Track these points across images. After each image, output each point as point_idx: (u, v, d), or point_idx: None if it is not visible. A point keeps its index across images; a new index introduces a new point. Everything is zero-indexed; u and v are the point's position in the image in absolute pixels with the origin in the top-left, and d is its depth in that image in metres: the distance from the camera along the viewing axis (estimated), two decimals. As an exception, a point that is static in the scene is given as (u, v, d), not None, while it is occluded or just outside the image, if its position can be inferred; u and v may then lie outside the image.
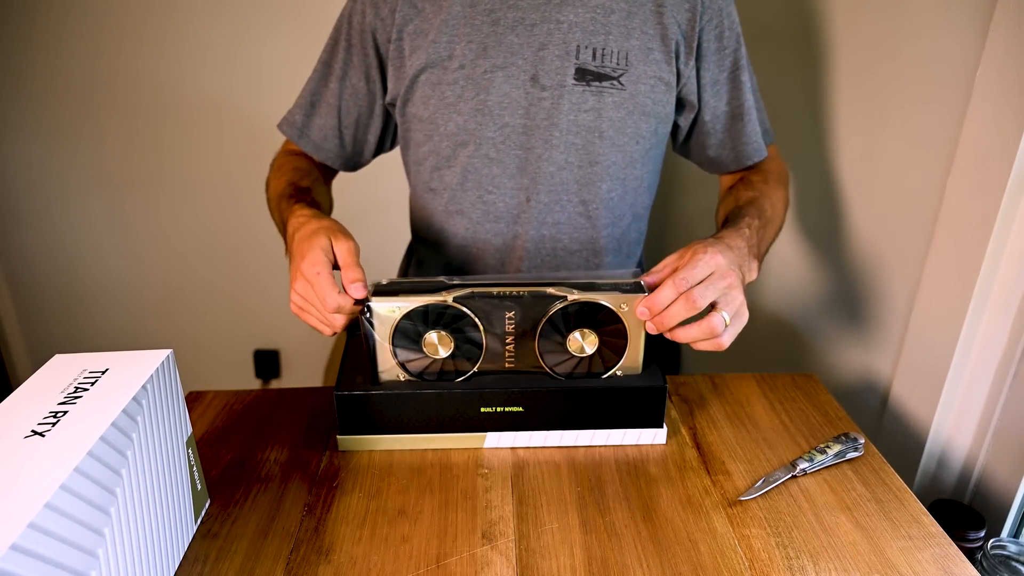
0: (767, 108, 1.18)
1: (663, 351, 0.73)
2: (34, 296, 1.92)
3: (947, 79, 0.78)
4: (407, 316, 0.66)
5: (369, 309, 0.66)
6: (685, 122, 0.89)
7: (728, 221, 0.78)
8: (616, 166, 0.85)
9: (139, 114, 1.73)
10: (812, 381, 0.84)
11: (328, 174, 0.96)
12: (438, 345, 0.67)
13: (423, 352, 0.68)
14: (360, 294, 0.65)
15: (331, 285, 0.64)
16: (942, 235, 0.79)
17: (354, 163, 0.96)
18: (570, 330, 0.67)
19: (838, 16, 0.99)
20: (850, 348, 1.00)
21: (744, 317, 0.66)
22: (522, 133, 0.82)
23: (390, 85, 0.85)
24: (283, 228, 0.78)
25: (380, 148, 0.95)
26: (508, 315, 0.67)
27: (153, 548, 0.53)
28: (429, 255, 0.95)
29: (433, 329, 0.67)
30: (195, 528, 0.61)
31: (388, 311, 0.66)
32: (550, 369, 0.69)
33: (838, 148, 1.00)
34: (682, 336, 0.64)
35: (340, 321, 0.66)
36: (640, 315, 0.65)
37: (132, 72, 1.69)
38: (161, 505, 0.55)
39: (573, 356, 0.68)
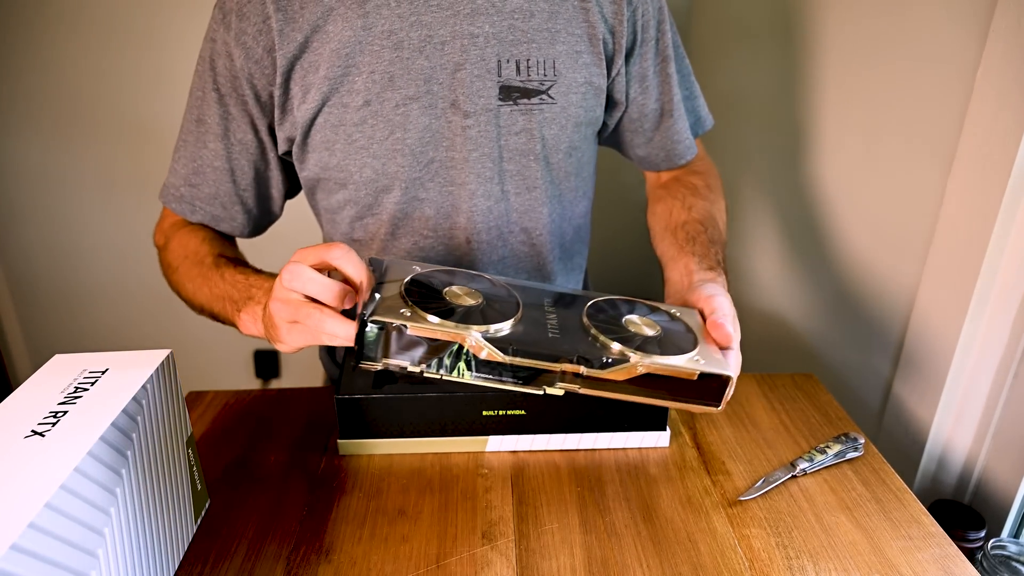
0: (769, 107, 1.18)
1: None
2: (34, 296, 1.92)
3: (947, 79, 0.78)
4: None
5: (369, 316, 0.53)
6: (612, 120, 0.82)
7: (704, 247, 0.72)
8: (552, 185, 0.78)
9: (140, 114, 1.73)
10: (812, 381, 0.84)
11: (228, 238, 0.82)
12: (463, 296, 0.54)
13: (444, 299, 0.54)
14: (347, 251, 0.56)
15: (321, 249, 0.55)
16: (942, 235, 0.79)
17: (264, 224, 0.83)
18: (623, 315, 0.57)
19: (838, 16, 0.99)
20: (850, 348, 1.00)
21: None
22: (450, 168, 0.73)
23: (280, 136, 0.74)
24: (239, 288, 0.68)
25: (289, 196, 0.83)
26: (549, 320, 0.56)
27: (153, 548, 0.53)
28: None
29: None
30: (195, 528, 0.61)
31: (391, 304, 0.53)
32: (617, 347, 0.53)
33: (838, 148, 1.00)
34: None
35: (313, 317, 0.55)
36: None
37: (133, 72, 1.69)
38: (161, 505, 0.55)
39: (635, 334, 0.55)
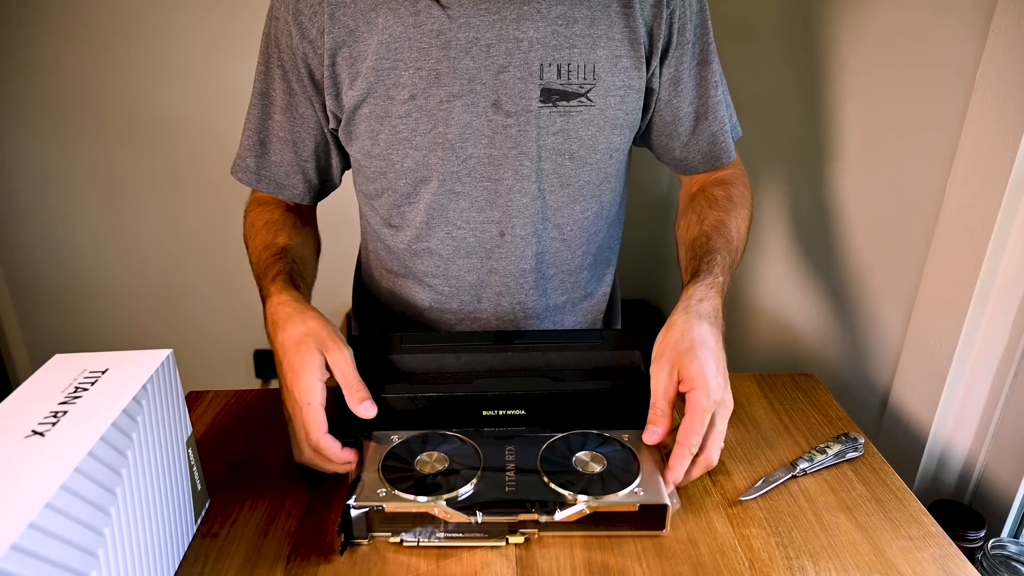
0: (769, 107, 1.18)
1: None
2: (34, 296, 1.92)
3: (947, 79, 0.78)
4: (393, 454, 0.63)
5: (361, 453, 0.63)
6: (643, 121, 0.83)
7: (699, 260, 0.74)
8: (590, 185, 0.80)
9: (139, 113, 1.73)
10: (812, 381, 0.84)
11: (307, 208, 0.90)
12: (432, 463, 0.63)
13: (414, 468, 0.62)
14: (371, 413, 0.63)
15: (319, 421, 0.61)
16: (942, 235, 0.79)
17: (324, 192, 0.88)
18: (574, 453, 0.64)
19: (838, 16, 0.99)
20: (850, 348, 1.00)
21: (730, 408, 0.63)
22: (488, 164, 0.76)
23: (330, 115, 0.77)
24: (264, 304, 0.72)
25: (347, 168, 0.87)
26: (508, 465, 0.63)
27: (153, 548, 0.53)
28: (396, 290, 0.88)
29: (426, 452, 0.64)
30: (195, 528, 0.61)
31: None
32: (559, 486, 0.60)
33: (838, 148, 1.00)
34: (685, 481, 0.63)
35: (309, 456, 0.63)
36: (667, 486, 0.61)
37: (132, 71, 1.69)
38: (161, 505, 0.55)
39: (583, 474, 0.61)
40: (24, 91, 1.70)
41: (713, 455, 0.61)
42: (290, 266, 0.75)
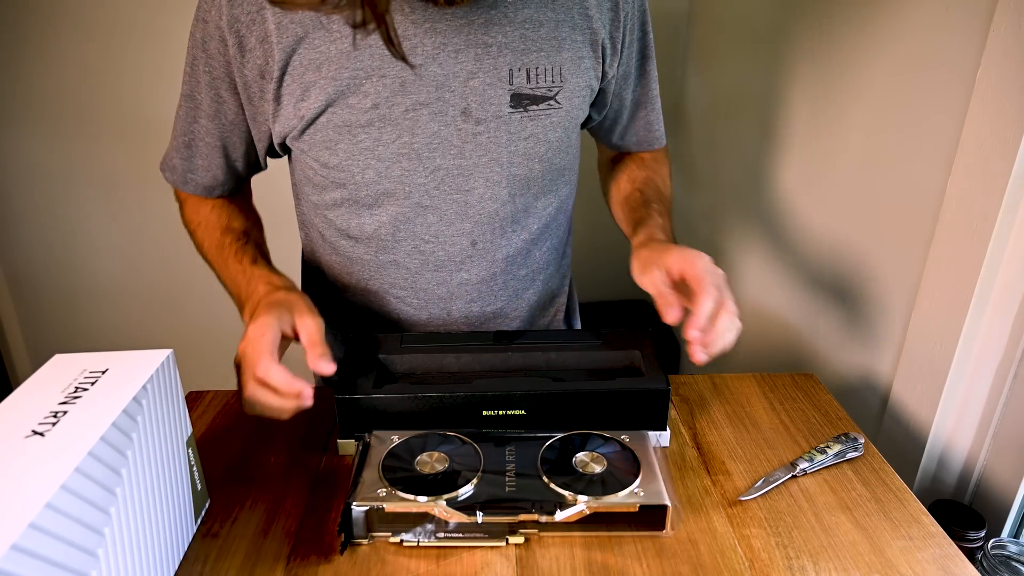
0: (770, 108, 1.19)
1: (662, 351, 0.72)
2: (34, 296, 1.92)
3: (947, 79, 0.78)
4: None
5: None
6: (598, 114, 0.84)
7: (638, 212, 0.80)
8: (552, 182, 0.80)
9: (139, 113, 1.73)
10: (812, 381, 0.84)
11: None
12: (432, 463, 0.63)
13: (415, 469, 0.62)
14: (330, 369, 0.61)
15: (270, 351, 0.59)
16: (942, 235, 0.79)
17: (248, 180, 0.86)
18: (574, 454, 0.64)
19: (839, 16, 0.99)
20: (850, 348, 1.00)
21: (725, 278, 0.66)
22: (458, 175, 0.73)
23: (275, 128, 0.72)
24: (240, 288, 0.73)
25: (273, 155, 0.82)
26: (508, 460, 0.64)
27: (153, 548, 0.53)
28: (359, 304, 0.84)
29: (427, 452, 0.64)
30: (195, 528, 0.61)
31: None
32: (559, 487, 0.60)
33: (838, 148, 1.00)
34: (721, 346, 0.62)
35: (252, 391, 0.60)
36: (692, 338, 0.60)
37: (134, 69, 1.69)
38: (161, 505, 0.55)
39: (583, 474, 0.62)
40: (24, 90, 1.70)
41: (730, 303, 0.62)
42: (260, 250, 0.78)
